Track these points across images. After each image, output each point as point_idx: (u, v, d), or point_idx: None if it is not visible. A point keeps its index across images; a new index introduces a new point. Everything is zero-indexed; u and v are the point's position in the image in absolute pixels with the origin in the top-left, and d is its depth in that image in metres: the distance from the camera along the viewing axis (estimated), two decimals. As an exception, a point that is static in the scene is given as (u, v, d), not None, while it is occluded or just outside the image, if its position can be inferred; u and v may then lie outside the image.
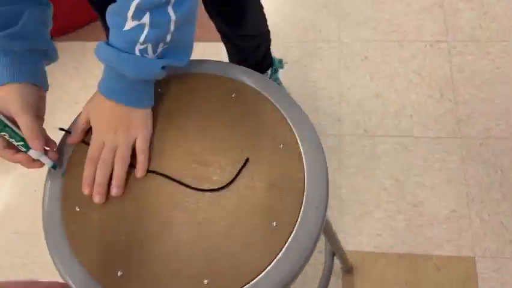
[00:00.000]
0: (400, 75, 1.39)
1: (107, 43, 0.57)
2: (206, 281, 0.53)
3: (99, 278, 0.54)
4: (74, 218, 0.58)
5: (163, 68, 0.58)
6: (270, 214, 0.56)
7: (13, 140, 0.57)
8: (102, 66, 0.59)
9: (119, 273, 0.54)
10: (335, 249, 1.01)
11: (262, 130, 0.61)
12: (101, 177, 0.57)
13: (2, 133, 0.56)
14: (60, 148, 0.63)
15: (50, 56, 0.64)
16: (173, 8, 0.54)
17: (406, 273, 1.15)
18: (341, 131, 1.33)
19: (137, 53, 0.55)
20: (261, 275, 0.53)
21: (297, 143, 0.60)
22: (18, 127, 0.57)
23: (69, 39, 1.59)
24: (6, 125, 0.56)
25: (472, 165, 1.25)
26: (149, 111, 0.61)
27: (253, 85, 0.65)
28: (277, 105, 0.62)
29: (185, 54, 0.60)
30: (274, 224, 0.55)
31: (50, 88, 0.64)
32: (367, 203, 1.23)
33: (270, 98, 0.63)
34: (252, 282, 0.53)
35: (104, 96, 0.59)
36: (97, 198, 0.57)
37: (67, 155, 0.63)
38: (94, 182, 0.58)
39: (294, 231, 0.55)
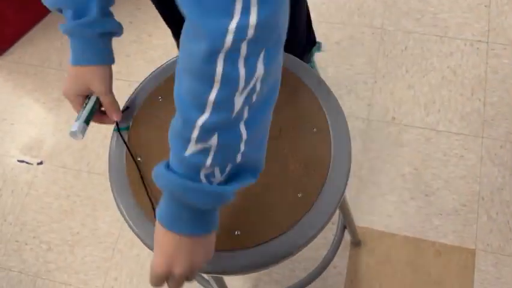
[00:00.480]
0: (435, 70, 1.44)
1: (168, 166, 0.50)
2: (237, 232, 0.65)
3: (153, 220, 0.66)
4: (135, 167, 0.70)
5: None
6: (297, 186, 0.66)
7: (85, 113, 0.70)
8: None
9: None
10: (347, 224, 1.12)
11: (300, 115, 0.70)
12: None
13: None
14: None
15: (118, 35, 0.71)
16: (246, 124, 0.45)
17: (409, 254, 1.25)
18: (370, 115, 1.41)
19: (202, 179, 0.48)
20: (284, 234, 0.64)
21: (328, 129, 0.70)
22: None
23: (126, -6, 1.68)
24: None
25: (489, 165, 1.32)
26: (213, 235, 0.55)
27: (295, 73, 0.74)
28: (316, 94, 0.72)
29: (257, 171, 0.52)
30: (300, 195, 0.66)
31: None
32: (383, 185, 1.32)
33: (309, 86, 0.72)
34: (276, 238, 0.64)
35: (164, 228, 0.52)
36: None
37: (133, 115, 0.74)
38: None
39: (314, 204, 0.65)
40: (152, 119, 0.73)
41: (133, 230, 0.67)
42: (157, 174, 0.50)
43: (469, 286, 1.21)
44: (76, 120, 0.69)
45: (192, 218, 0.51)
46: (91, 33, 0.65)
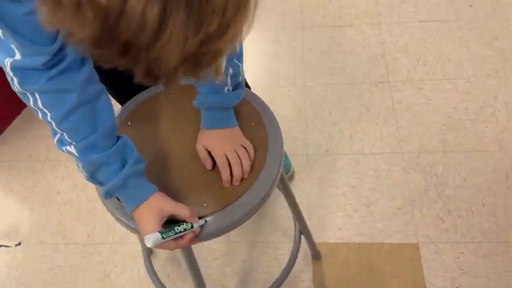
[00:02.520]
0: (352, 109, 1.75)
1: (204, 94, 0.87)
2: (204, 204, 0.83)
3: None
4: (126, 129, 0.89)
5: None
6: (245, 162, 0.86)
7: (181, 229, 0.74)
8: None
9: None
10: (305, 236, 1.29)
11: (239, 115, 0.93)
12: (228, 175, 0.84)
13: (175, 229, 0.73)
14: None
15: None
16: (237, 59, 0.84)
17: (364, 258, 1.42)
18: (308, 151, 1.65)
19: (225, 92, 0.85)
20: (241, 196, 0.82)
21: (262, 122, 0.92)
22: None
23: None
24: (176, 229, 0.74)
25: (412, 173, 1.57)
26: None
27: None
28: (248, 99, 0.95)
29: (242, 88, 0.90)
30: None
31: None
32: (330, 205, 1.53)
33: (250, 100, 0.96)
34: (234, 202, 0.82)
35: (213, 128, 0.87)
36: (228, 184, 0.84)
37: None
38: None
39: (260, 173, 0.86)
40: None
41: (124, 224, 0.83)
42: (201, 100, 0.88)
43: (420, 274, 1.38)
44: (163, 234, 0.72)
45: (229, 115, 0.89)
46: (142, 166, 0.77)
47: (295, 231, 1.27)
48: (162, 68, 0.46)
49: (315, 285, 1.38)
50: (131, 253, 1.50)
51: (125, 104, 0.98)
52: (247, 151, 0.86)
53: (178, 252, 1.48)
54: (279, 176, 0.87)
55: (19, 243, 1.55)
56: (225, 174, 0.84)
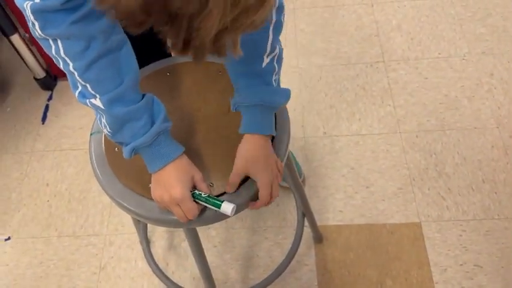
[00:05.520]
0: (348, 90, 1.71)
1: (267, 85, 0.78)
2: (211, 183, 0.78)
3: (132, 188, 0.79)
4: (114, 155, 0.83)
5: None
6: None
7: (212, 200, 0.72)
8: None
9: (149, 186, 0.79)
10: (308, 218, 1.26)
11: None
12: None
13: (206, 198, 0.72)
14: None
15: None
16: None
17: (366, 239, 1.40)
18: (306, 134, 1.62)
19: (273, 83, 0.79)
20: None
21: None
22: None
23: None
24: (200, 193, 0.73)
25: (411, 152, 1.55)
26: None
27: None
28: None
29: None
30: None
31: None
32: (330, 187, 1.50)
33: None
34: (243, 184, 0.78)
35: (253, 133, 0.77)
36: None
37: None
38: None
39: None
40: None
41: (125, 209, 0.78)
42: (275, 89, 0.79)
43: (423, 254, 1.37)
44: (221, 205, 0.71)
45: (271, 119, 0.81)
46: (170, 125, 0.74)
47: (297, 213, 1.24)
48: (199, 38, 0.49)
49: (318, 269, 1.36)
50: (127, 244, 1.45)
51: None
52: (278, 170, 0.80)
53: (176, 241, 1.44)
54: (285, 156, 0.83)
55: (9, 238, 1.48)
56: (262, 204, 0.78)
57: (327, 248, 1.39)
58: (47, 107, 1.80)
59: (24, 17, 0.62)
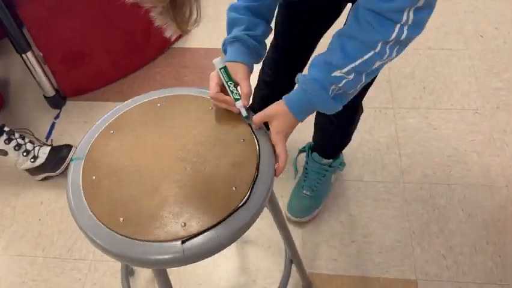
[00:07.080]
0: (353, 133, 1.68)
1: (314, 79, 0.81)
2: (183, 222, 0.75)
3: (103, 220, 0.76)
4: (90, 184, 0.81)
5: None
6: (232, 182, 0.79)
7: (232, 89, 0.87)
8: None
9: (121, 219, 0.76)
10: (296, 265, 1.21)
11: (230, 130, 0.87)
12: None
13: (229, 83, 0.87)
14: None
15: (262, 56, 0.94)
16: (366, 75, 0.79)
17: (358, 292, 1.33)
18: (305, 175, 1.57)
19: (329, 91, 0.80)
20: (223, 221, 0.75)
21: (254, 139, 0.85)
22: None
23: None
24: (231, 80, 0.87)
25: (413, 204, 1.49)
26: None
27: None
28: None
29: (340, 106, 0.84)
30: (234, 188, 0.79)
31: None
32: (325, 233, 1.44)
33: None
34: (218, 225, 0.74)
35: (290, 112, 0.85)
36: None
37: (87, 149, 0.87)
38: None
39: (247, 194, 0.78)
40: (106, 147, 0.86)
41: (92, 241, 0.75)
42: (307, 79, 0.81)
43: (416, 314, 1.29)
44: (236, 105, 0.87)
45: (308, 112, 0.87)
46: (251, 43, 0.89)
47: (285, 259, 1.18)
48: None
49: (304, 319, 1.29)
50: (111, 272, 1.41)
51: (109, 112, 0.92)
52: None
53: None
54: (269, 195, 0.79)
55: (-5, 254, 1.47)
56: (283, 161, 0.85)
57: (316, 297, 1.33)
58: (53, 125, 1.81)
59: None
